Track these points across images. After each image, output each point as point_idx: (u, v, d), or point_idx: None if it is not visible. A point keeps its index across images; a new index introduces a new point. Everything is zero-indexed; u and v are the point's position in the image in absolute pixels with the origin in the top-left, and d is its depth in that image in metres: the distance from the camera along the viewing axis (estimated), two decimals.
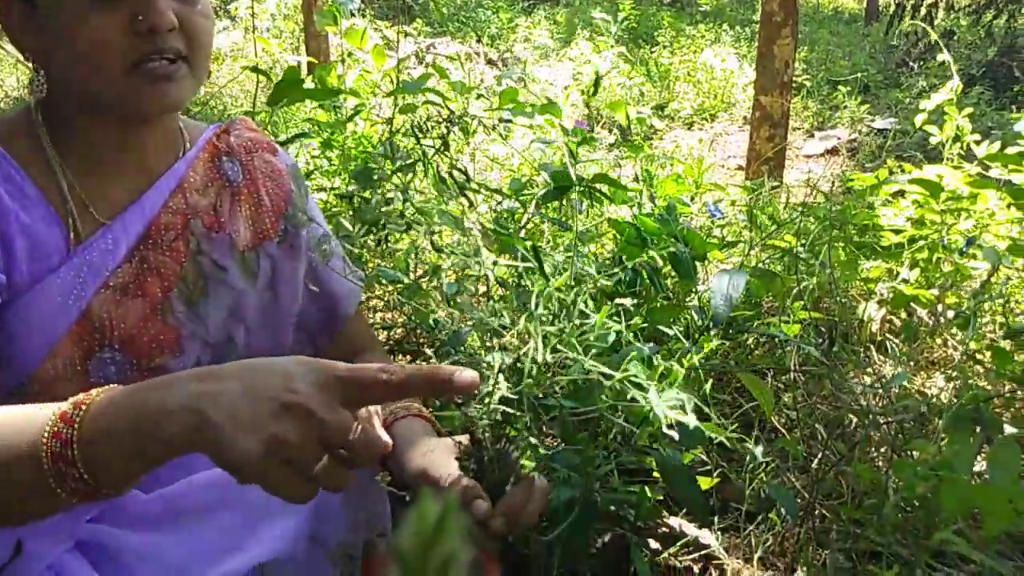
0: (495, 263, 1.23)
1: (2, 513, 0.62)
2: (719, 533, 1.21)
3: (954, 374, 1.43)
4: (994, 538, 0.97)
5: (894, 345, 1.64)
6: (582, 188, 1.61)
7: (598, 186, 1.63)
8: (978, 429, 1.02)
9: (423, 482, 0.80)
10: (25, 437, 0.59)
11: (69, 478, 0.58)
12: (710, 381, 1.30)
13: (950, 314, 1.63)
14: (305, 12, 6.56)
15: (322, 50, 5.91)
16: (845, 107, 6.17)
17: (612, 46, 6.96)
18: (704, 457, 1.31)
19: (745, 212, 1.86)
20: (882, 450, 1.21)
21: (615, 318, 1.19)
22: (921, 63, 7.29)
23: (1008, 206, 1.69)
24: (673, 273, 1.49)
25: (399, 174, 1.85)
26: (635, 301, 1.34)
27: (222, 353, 0.92)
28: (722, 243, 1.70)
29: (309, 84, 1.73)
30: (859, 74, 7.22)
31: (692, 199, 1.97)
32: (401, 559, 0.23)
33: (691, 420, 0.88)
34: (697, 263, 1.46)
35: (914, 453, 1.05)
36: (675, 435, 0.94)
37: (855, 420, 1.32)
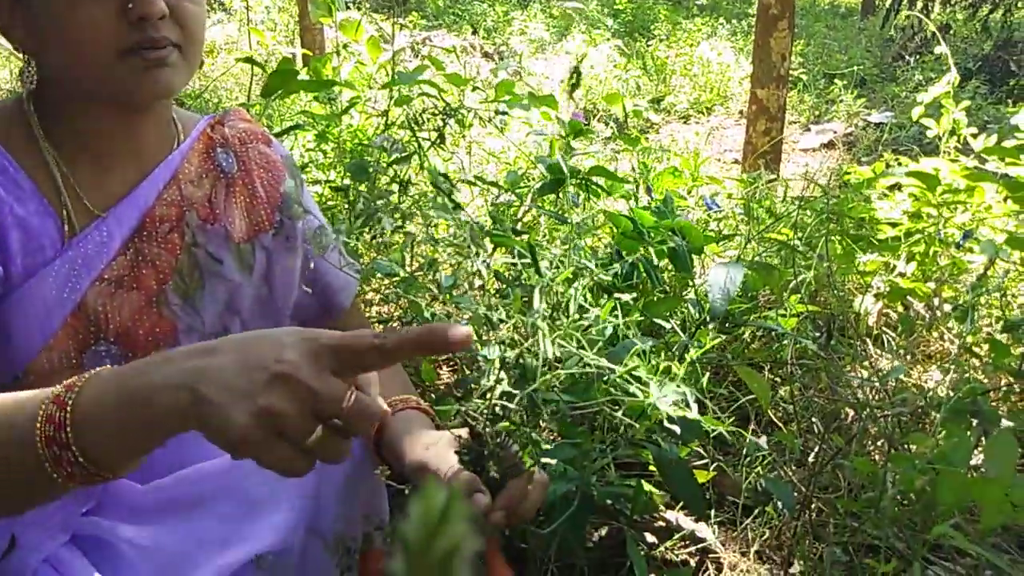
0: (491, 256, 1.22)
1: (2, 500, 0.61)
2: (715, 527, 1.21)
3: (951, 367, 1.43)
4: (990, 531, 0.98)
5: (891, 338, 1.64)
6: (578, 181, 1.60)
7: (594, 179, 1.63)
8: (975, 423, 1.02)
9: (423, 475, 0.79)
10: (19, 422, 0.58)
11: (64, 462, 0.57)
12: (707, 374, 1.30)
13: (947, 307, 1.63)
14: (300, 4, 6.52)
15: (317, 43, 5.88)
16: (841, 101, 6.17)
17: (608, 39, 6.94)
18: (701, 451, 1.31)
19: (742, 205, 1.86)
20: (879, 443, 1.21)
21: (613, 312, 1.18)
22: (917, 57, 7.29)
23: (1005, 199, 1.69)
24: (670, 266, 1.48)
25: (395, 167, 1.84)
26: (633, 295, 1.34)
27: None
28: (719, 236, 1.70)
29: (304, 76, 1.72)
30: (855, 68, 7.21)
31: (688, 192, 1.97)
32: (405, 549, 0.22)
33: (693, 414, 0.88)
34: (694, 256, 1.45)
35: (911, 447, 1.05)
36: (676, 429, 0.94)
37: (852, 413, 1.32)
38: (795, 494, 1.13)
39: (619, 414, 0.94)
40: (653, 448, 1.12)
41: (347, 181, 1.92)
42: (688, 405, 0.97)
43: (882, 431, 1.10)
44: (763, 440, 1.19)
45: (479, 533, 0.75)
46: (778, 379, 1.49)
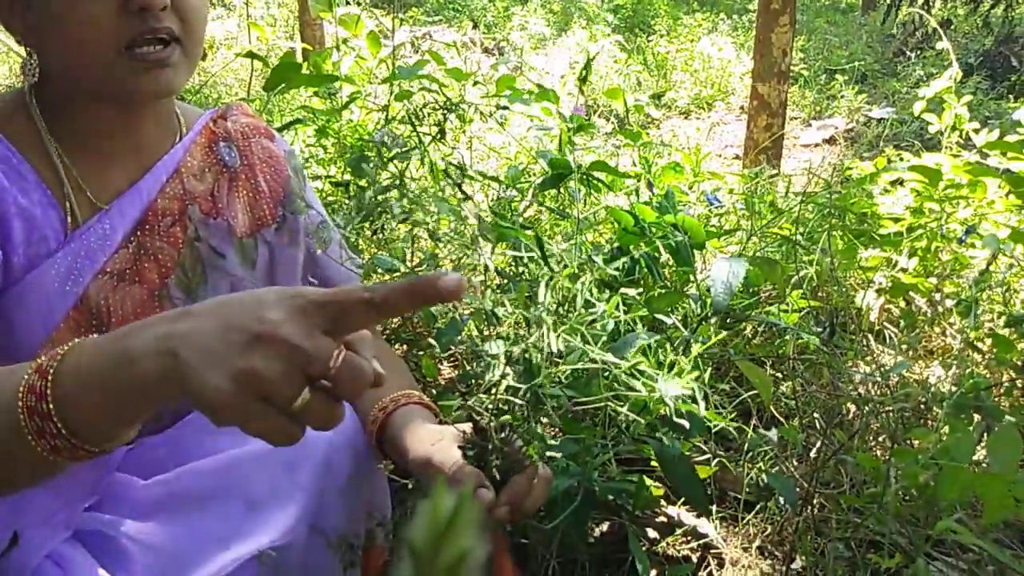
0: (493, 251, 1.22)
1: None
2: (717, 522, 1.21)
3: (953, 363, 1.42)
4: (993, 527, 0.97)
5: (893, 334, 1.64)
6: (580, 176, 1.59)
7: (596, 174, 1.62)
8: (978, 418, 1.02)
9: (427, 470, 0.79)
10: (4, 395, 0.57)
11: (47, 433, 0.55)
12: (708, 369, 1.30)
13: (949, 303, 1.62)
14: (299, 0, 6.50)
15: (317, 38, 5.86)
16: (842, 96, 6.15)
17: (609, 35, 6.93)
18: (702, 446, 1.31)
19: (743, 200, 1.85)
20: (881, 439, 1.21)
21: (617, 307, 1.18)
22: (918, 53, 7.27)
23: (1007, 194, 1.68)
24: (671, 262, 1.48)
25: (395, 162, 1.83)
26: (638, 290, 1.33)
27: None
28: (720, 232, 1.70)
29: (304, 71, 1.71)
30: (856, 63, 7.19)
31: (690, 188, 1.96)
32: (413, 554, 0.22)
33: (701, 409, 0.88)
34: (695, 252, 1.45)
35: (914, 442, 1.04)
36: (685, 424, 0.93)
37: (854, 409, 1.32)
38: (797, 489, 1.12)
39: (624, 409, 0.94)
40: (655, 443, 1.12)
41: (347, 176, 1.91)
42: (696, 401, 0.97)
43: (885, 426, 1.10)
44: (772, 433, 1.18)
45: (483, 529, 0.75)
46: (780, 374, 1.49)
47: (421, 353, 1.57)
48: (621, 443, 1.18)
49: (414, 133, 1.76)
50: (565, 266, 1.09)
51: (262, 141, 0.98)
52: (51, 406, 0.55)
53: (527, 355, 0.79)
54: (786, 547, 1.15)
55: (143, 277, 0.85)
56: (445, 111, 1.75)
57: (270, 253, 0.96)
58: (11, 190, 0.77)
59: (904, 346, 1.52)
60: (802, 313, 1.45)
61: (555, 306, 0.87)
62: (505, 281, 1.36)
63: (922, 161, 1.75)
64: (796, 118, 5.92)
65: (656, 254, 1.44)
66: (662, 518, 1.23)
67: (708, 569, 1.15)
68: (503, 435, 0.80)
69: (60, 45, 0.77)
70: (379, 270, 1.76)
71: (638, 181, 1.76)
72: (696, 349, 1.11)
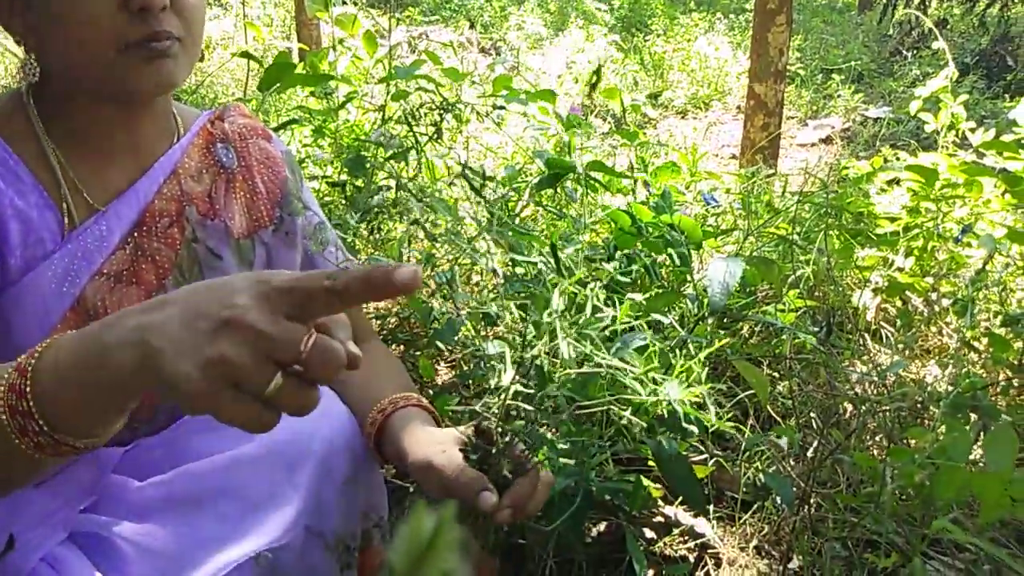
0: (488, 251, 1.22)
1: None
2: (714, 522, 1.21)
3: (950, 362, 1.43)
4: (990, 526, 0.97)
5: (890, 333, 1.64)
6: (577, 176, 1.59)
7: (593, 174, 1.62)
8: (974, 417, 1.02)
9: (428, 473, 0.79)
10: None
11: (30, 431, 0.55)
12: (705, 369, 1.30)
13: (945, 302, 1.63)
14: None
15: (313, 38, 5.86)
16: (839, 96, 6.16)
17: (606, 34, 6.93)
18: (699, 446, 1.31)
19: (740, 200, 1.86)
20: (878, 438, 1.21)
21: (615, 307, 1.18)
22: (915, 52, 7.28)
23: (1003, 193, 1.68)
24: (668, 262, 1.48)
25: (392, 162, 1.83)
26: (646, 294, 1.33)
27: None
28: (717, 231, 1.70)
29: (300, 71, 1.71)
30: (853, 63, 7.20)
31: (687, 188, 1.96)
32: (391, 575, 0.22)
33: (712, 415, 0.88)
34: (692, 252, 1.45)
35: (911, 441, 1.04)
36: (694, 428, 0.93)
37: (851, 408, 1.32)
38: (794, 489, 1.12)
39: (626, 413, 0.94)
40: (652, 443, 1.12)
41: (344, 176, 1.91)
42: (705, 405, 0.97)
43: (881, 426, 1.10)
44: (781, 441, 1.18)
45: (486, 531, 0.75)
46: (777, 374, 1.49)
47: (418, 354, 1.56)
48: (619, 443, 1.18)
49: (411, 133, 1.76)
50: (572, 273, 1.09)
51: (259, 142, 0.98)
52: (31, 403, 0.55)
53: (538, 361, 0.78)
54: (783, 547, 1.15)
55: (140, 278, 0.85)
56: (442, 111, 1.75)
57: (267, 254, 0.96)
58: (7, 192, 0.77)
59: (900, 346, 1.52)
60: (799, 313, 1.45)
61: (563, 310, 0.87)
62: (503, 281, 1.36)
63: (918, 161, 1.75)
64: (793, 118, 5.93)
65: (653, 254, 1.44)
66: (659, 518, 1.23)
67: (705, 569, 1.15)
68: (506, 438, 0.80)
69: (60, 44, 0.77)
70: None
71: (635, 181, 1.76)
72: (703, 352, 1.11)
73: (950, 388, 1.04)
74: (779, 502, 1.16)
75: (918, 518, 1.01)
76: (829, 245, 1.65)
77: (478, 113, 1.74)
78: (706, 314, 1.22)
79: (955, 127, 2.15)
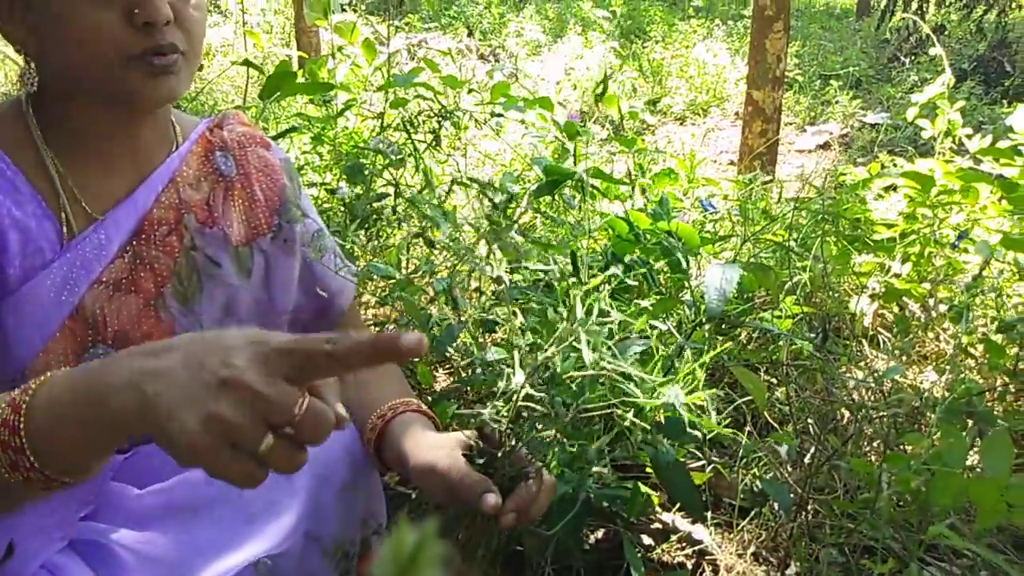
0: (492, 255, 1.22)
1: None
2: (712, 528, 1.22)
3: (947, 368, 1.43)
4: (986, 532, 0.98)
5: (887, 339, 1.65)
6: (575, 183, 1.60)
7: (591, 181, 1.63)
8: (970, 423, 1.03)
9: (431, 477, 0.79)
10: None
11: (21, 467, 0.56)
12: (703, 375, 1.30)
13: (942, 308, 1.63)
14: (295, 7, 6.51)
15: (312, 45, 5.87)
16: (837, 102, 6.18)
17: (604, 41, 6.95)
18: (697, 452, 1.31)
19: (738, 206, 1.86)
20: (875, 444, 1.21)
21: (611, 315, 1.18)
22: (912, 58, 7.30)
23: (1000, 199, 1.69)
24: (666, 268, 1.49)
25: (390, 169, 1.84)
26: (650, 300, 1.34)
27: None
28: (715, 238, 1.70)
29: (300, 79, 1.72)
30: (851, 69, 7.22)
31: (685, 194, 1.97)
32: None
33: (712, 420, 0.88)
34: (690, 258, 1.45)
35: (907, 447, 1.05)
36: (698, 434, 0.94)
37: (848, 414, 1.33)
38: (791, 495, 1.13)
39: (630, 415, 0.94)
40: (650, 450, 1.12)
41: (343, 183, 1.91)
42: (704, 410, 0.97)
43: (878, 432, 1.10)
44: (783, 449, 1.19)
45: (488, 535, 0.75)
46: (774, 380, 1.49)
47: (417, 360, 1.57)
48: (616, 449, 1.18)
49: (409, 140, 1.76)
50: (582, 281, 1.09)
51: (258, 150, 0.98)
52: (24, 441, 0.55)
53: (549, 365, 0.79)
54: (780, 553, 1.15)
55: (139, 287, 0.85)
56: (440, 118, 1.76)
57: (266, 262, 0.96)
58: (5, 203, 0.77)
59: (897, 351, 1.52)
60: (796, 319, 1.45)
61: (582, 317, 0.87)
62: (506, 286, 1.37)
63: (915, 167, 1.76)
64: (791, 123, 5.94)
65: (651, 260, 1.45)
66: (657, 524, 1.23)
67: (703, 575, 1.16)
68: (510, 442, 0.80)
69: (61, 46, 0.77)
70: (375, 277, 1.76)
71: (633, 188, 1.77)
72: (704, 357, 1.11)
73: (946, 394, 1.05)
74: (776, 508, 1.17)
75: (915, 524, 1.01)
76: (826, 251, 1.65)
77: (476, 120, 1.75)
78: (703, 320, 1.23)
79: (952, 133, 2.16)
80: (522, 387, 0.79)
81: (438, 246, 1.75)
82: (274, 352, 0.54)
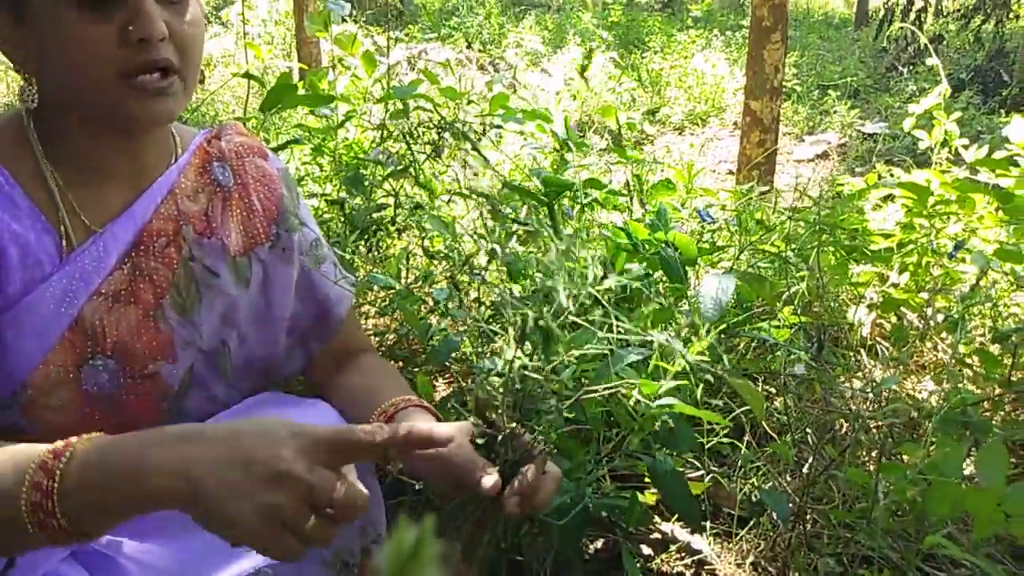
0: (487, 269, 1.23)
1: None
2: (711, 538, 1.22)
3: (944, 378, 1.43)
4: (984, 541, 0.98)
5: (885, 348, 1.65)
6: (573, 194, 1.61)
7: (589, 191, 1.64)
8: (966, 433, 1.03)
9: (436, 463, 0.79)
10: (7, 481, 0.62)
11: (49, 527, 0.60)
12: (701, 385, 1.31)
13: (940, 318, 1.64)
14: (296, 18, 6.55)
15: (313, 56, 5.90)
16: (835, 111, 6.20)
17: (604, 51, 6.98)
18: (696, 462, 1.31)
19: (735, 216, 1.87)
20: (873, 454, 1.21)
21: (610, 325, 1.19)
22: (910, 68, 7.33)
23: (996, 209, 1.70)
24: (664, 278, 1.49)
25: (390, 180, 1.85)
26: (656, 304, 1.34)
27: (215, 360, 0.92)
28: (712, 248, 1.71)
29: (301, 90, 1.73)
30: (849, 79, 7.25)
31: (683, 204, 1.98)
32: None
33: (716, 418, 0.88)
34: (688, 268, 1.46)
35: (904, 457, 1.05)
36: (698, 443, 0.93)
37: (846, 424, 1.33)
38: (790, 505, 1.13)
39: (631, 398, 0.94)
40: (648, 460, 1.13)
41: (343, 194, 1.92)
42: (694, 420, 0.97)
43: (874, 441, 1.11)
44: (756, 451, 1.19)
45: (494, 524, 0.76)
46: (773, 390, 1.50)
47: (416, 370, 1.57)
48: (615, 459, 1.19)
49: (409, 152, 1.78)
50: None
51: (256, 160, 0.99)
52: (56, 506, 0.60)
53: (542, 324, 0.78)
54: (779, 563, 1.15)
55: (138, 298, 0.85)
56: (440, 130, 1.77)
57: (264, 271, 0.97)
58: (3, 217, 0.78)
59: (895, 361, 1.53)
60: (793, 329, 1.46)
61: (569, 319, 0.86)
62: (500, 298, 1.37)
63: (912, 177, 1.77)
64: (789, 133, 5.96)
65: (649, 271, 1.45)
66: (656, 534, 1.24)
67: None
68: (512, 427, 0.79)
69: (57, 63, 0.78)
70: (374, 287, 1.77)
71: (631, 198, 1.78)
72: (695, 347, 1.11)
73: (943, 404, 1.05)
74: (775, 518, 1.17)
75: (912, 534, 1.02)
76: (824, 261, 1.66)
77: (476, 132, 1.76)
78: (700, 330, 1.23)
79: (948, 144, 2.17)
80: (514, 356, 0.77)
81: (437, 256, 1.76)
82: (317, 444, 0.62)
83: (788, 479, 1.28)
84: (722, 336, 1.44)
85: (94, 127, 0.83)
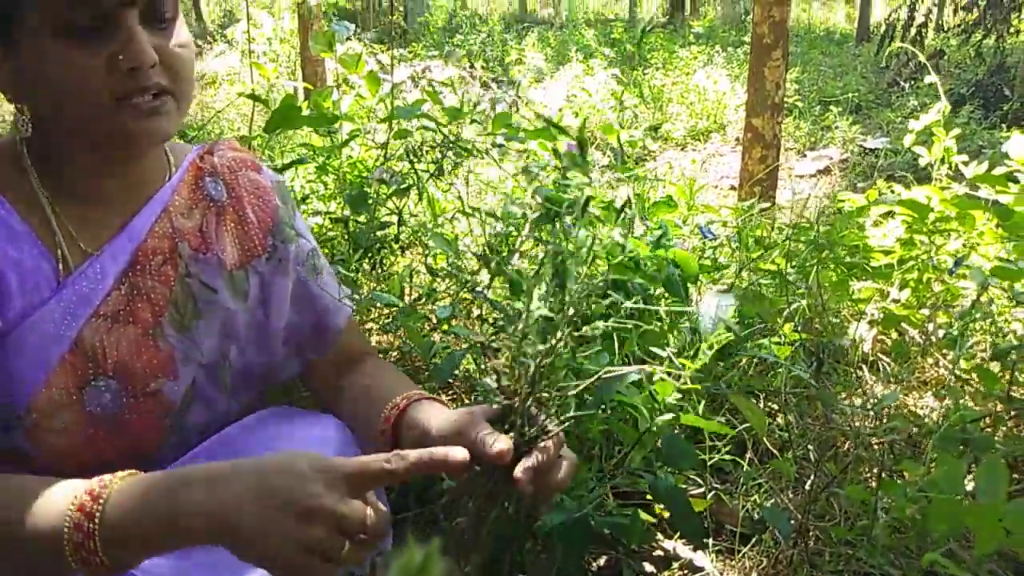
0: (491, 284, 1.24)
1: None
2: (713, 555, 1.22)
3: (945, 394, 1.44)
4: (986, 557, 0.98)
5: (887, 365, 1.65)
6: (575, 211, 1.62)
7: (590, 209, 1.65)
8: (967, 449, 1.03)
9: (454, 441, 0.79)
10: (46, 521, 0.66)
11: (92, 564, 0.65)
12: (703, 402, 1.31)
13: (941, 334, 1.64)
14: (301, 36, 6.60)
15: (318, 74, 5.95)
16: (837, 127, 6.22)
17: (606, 68, 7.02)
18: (698, 479, 1.32)
19: (736, 233, 1.88)
20: (874, 471, 1.22)
21: (612, 341, 1.20)
22: (912, 83, 7.36)
23: (997, 226, 1.71)
24: (666, 295, 1.50)
25: (394, 198, 1.86)
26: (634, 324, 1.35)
27: (215, 374, 0.92)
28: (714, 265, 1.72)
29: (305, 111, 1.75)
30: (851, 94, 7.28)
31: (684, 221, 1.99)
32: None
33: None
34: (689, 285, 1.47)
35: (904, 474, 1.06)
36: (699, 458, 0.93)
37: (847, 441, 1.33)
38: (791, 522, 1.13)
39: (640, 394, 0.94)
40: (650, 477, 1.13)
41: (347, 212, 1.94)
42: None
43: (874, 458, 1.11)
44: (758, 468, 1.19)
45: (505, 494, 0.77)
46: (775, 407, 1.50)
47: (419, 386, 1.58)
48: (617, 476, 1.19)
49: (412, 170, 1.79)
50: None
51: (249, 174, 0.99)
52: (97, 546, 0.65)
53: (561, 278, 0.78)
54: None
55: (137, 317, 0.86)
56: (443, 148, 1.79)
57: (261, 283, 0.97)
58: (1, 245, 0.79)
59: (896, 378, 1.53)
60: (794, 346, 1.46)
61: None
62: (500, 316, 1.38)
63: (911, 194, 1.78)
64: (791, 149, 5.98)
65: (651, 288, 1.46)
66: (658, 551, 1.24)
67: None
68: (528, 407, 0.78)
69: (49, 93, 0.78)
70: (377, 305, 1.78)
71: (632, 215, 1.79)
72: (693, 365, 1.11)
73: (943, 421, 1.06)
74: (777, 535, 1.17)
75: (914, 550, 1.02)
76: (824, 278, 1.67)
77: (478, 150, 1.78)
78: (701, 348, 1.24)
79: (948, 160, 2.18)
80: (524, 328, 0.76)
81: (441, 274, 1.77)
82: (344, 476, 0.67)
83: (790, 496, 1.28)
84: (724, 354, 1.45)
85: (87, 152, 0.83)
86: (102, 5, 0.75)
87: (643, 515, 1.17)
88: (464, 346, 1.49)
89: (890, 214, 1.97)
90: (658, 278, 1.36)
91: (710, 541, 1.23)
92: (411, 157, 1.79)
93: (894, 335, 1.71)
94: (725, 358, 1.47)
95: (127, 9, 0.76)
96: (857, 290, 1.75)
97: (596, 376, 0.93)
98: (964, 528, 0.92)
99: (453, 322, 1.56)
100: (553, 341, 0.77)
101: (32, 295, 0.80)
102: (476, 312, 1.83)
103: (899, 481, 0.97)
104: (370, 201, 1.82)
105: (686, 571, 1.20)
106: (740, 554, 1.21)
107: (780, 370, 1.41)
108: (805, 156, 5.83)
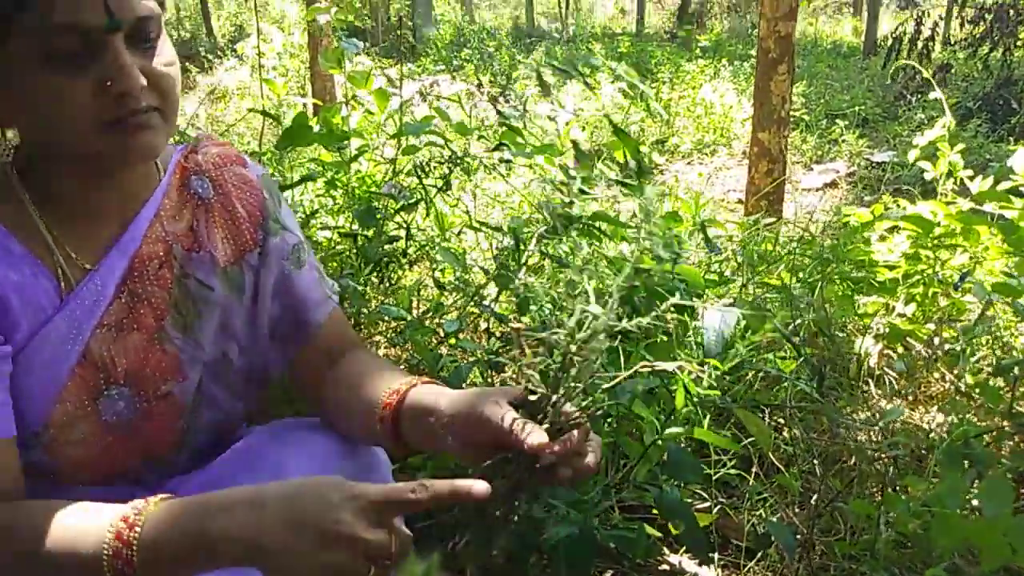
0: (498, 297, 1.25)
1: None
2: (719, 569, 1.22)
3: (950, 409, 1.44)
4: (992, 573, 0.98)
5: (893, 379, 1.66)
6: (581, 226, 1.63)
7: (597, 224, 1.66)
8: (970, 465, 1.04)
9: (474, 423, 0.78)
10: (84, 549, 0.69)
11: None
12: (708, 417, 1.32)
13: (947, 348, 1.64)
14: (311, 51, 6.66)
15: (327, 89, 6.00)
16: (843, 140, 6.23)
17: (612, 82, 7.05)
18: (703, 493, 1.32)
19: (741, 247, 1.89)
20: (879, 486, 1.22)
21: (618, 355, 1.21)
22: (919, 96, 7.36)
23: (1002, 241, 1.71)
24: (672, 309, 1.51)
25: (402, 213, 1.88)
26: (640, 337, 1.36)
27: (218, 371, 0.93)
28: (720, 279, 1.73)
29: (315, 127, 1.77)
30: (857, 107, 7.29)
31: (689, 236, 2.00)
32: None
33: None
34: (696, 299, 1.48)
35: (909, 488, 1.06)
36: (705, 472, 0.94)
37: (852, 456, 1.34)
38: (796, 537, 1.14)
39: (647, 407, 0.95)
40: (656, 491, 1.14)
41: (356, 227, 1.96)
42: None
43: (879, 473, 1.12)
44: (763, 482, 1.19)
45: (533, 483, 0.77)
46: (780, 421, 1.50)
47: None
48: (623, 490, 1.20)
49: (420, 185, 1.81)
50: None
51: (234, 168, 0.98)
52: (137, 571, 0.69)
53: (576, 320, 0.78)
54: None
55: (140, 323, 0.87)
56: (450, 164, 1.81)
57: (256, 278, 0.97)
58: (1, 269, 0.79)
59: (901, 392, 1.53)
60: (799, 360, 1.47)
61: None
62: (506, 329, 1.40)
63: (916, 209, 1.79)
64: (798, 162, 5.99)
65: (657, 302, 1.47)
66: (664, 566, 1.24)
67: None
68: (558, 395, 0.77)
69: (36, 118, 0.78)
70: (386, 318, 1.79)
71: (639, 230, 1.80)
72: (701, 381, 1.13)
73: (947, 436, 1.06)
74: (782, 549, 1.17)
75: (918, 565, 1.02)
76: (830, 293, 1.67)
77: (485, 166, 1.79)
78: (706, 362, 1.25)
79: (953, 175, 2.19)
80: (555, 341, 0.76)
81: (448, 288, 1.79)
82: (371, 505, 0.69)
83: (795, 510, 1.29)
84: (730, 368, 1.45)
85: (80, 171, 0.83)
86: (88, 30, 0.74)
87: (649, 529, 1.18)
88: (471, 359, 1.51)
89: (896, 228, 1.98)
90: (663, 291, 1.37)
91: (715, 555, 1.23)
92: (419, 172, 1.81)
93: (900, 349, 1.72)
94: (730, 372, 1.48)
95: (113, 33, 0.75)
96: (863, 304, 1.75)
97: (633, 370, 0.94)
98: (967, 543, 0.92)
99: (460, 335, 1.57)
100: (600, 336, 0.78)
101: (37, 315, 0.81)
102: (483, 325, 1.85)
103: (903, 496, 0.97)
104: (378, 216, 1.84)
105: None
106: (745, 568, 1.22)
107: (785, 384, 1.42)
108: (811, 170, 5.83)
